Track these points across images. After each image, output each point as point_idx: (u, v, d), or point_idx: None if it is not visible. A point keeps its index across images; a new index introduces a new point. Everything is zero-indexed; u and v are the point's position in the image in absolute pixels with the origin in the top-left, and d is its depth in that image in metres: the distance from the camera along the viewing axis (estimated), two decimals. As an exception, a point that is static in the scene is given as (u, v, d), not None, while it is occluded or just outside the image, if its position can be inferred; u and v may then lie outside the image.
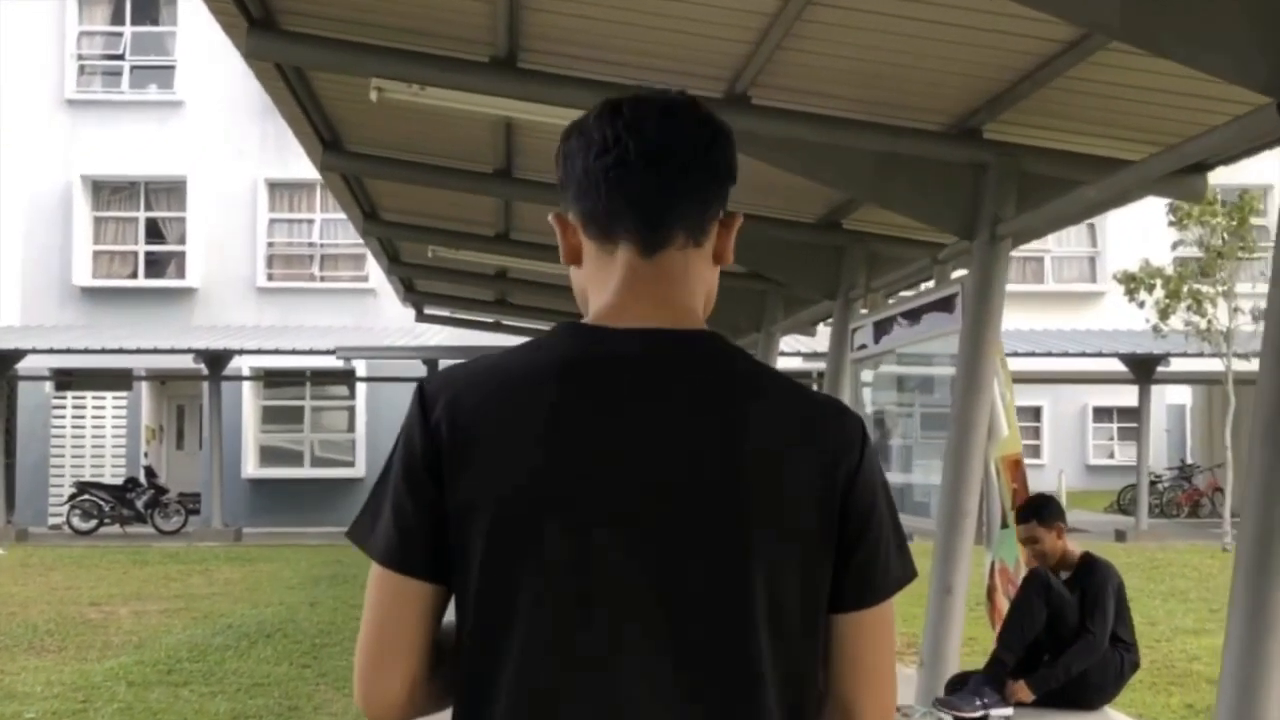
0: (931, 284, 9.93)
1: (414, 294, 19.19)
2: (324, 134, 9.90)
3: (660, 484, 1.62)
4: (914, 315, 8.55)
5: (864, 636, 1.71)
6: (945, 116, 7.06)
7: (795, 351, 21.24)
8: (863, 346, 9.85)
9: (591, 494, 1.61)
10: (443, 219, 13.09)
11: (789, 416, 1.69)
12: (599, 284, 1.76)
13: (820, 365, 25.53)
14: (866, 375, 10.11)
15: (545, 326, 20.14)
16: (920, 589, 12.05)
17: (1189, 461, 31.23)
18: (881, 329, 9.36)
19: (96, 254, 28.60)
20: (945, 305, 7.84)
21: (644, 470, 1.62)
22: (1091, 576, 6.61)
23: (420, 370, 24.86)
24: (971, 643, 12.20)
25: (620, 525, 1.61)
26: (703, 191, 1.75)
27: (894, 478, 9.23)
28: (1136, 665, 6.67)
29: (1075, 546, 6.80)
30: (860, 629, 1.70)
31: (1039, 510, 6.76)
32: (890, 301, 9.78)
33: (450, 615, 1.69)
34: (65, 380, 27.04)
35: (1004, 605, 7.69)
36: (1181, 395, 32.34)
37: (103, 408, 28.11)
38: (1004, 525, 7.61)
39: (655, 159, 1.71)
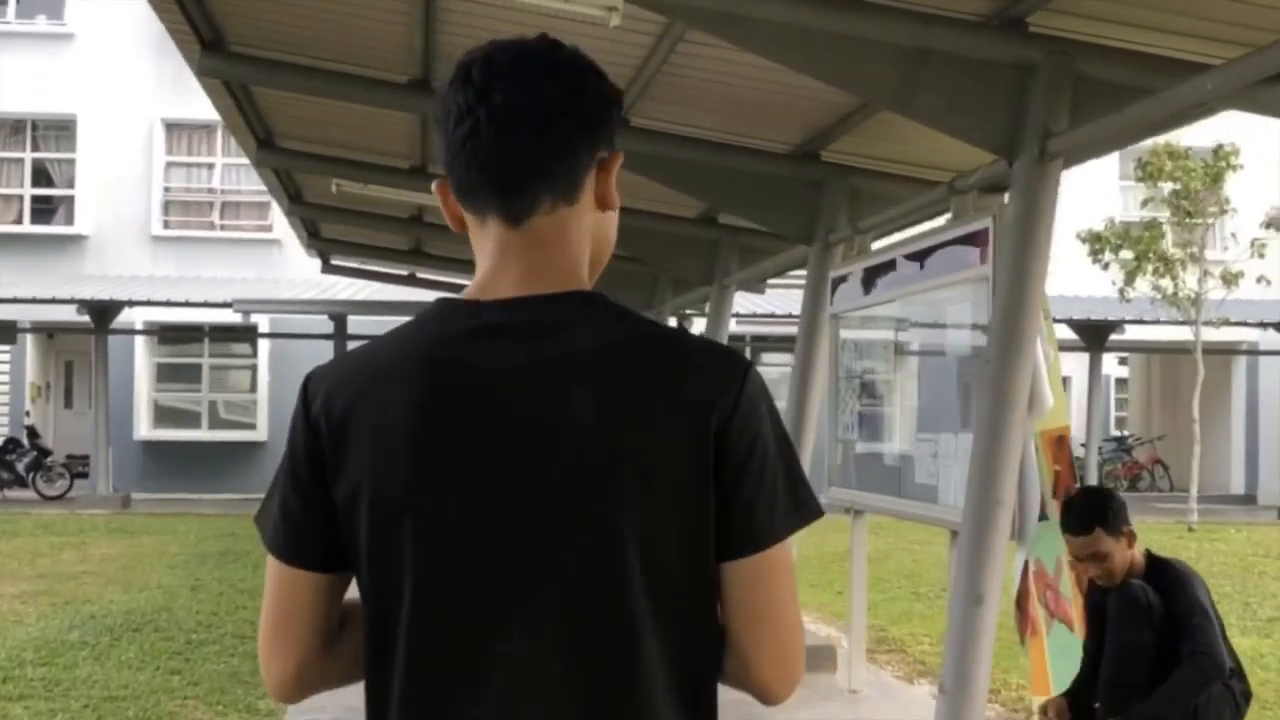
0: (928, 226, 8.45)
1: (319, 240, 17.45)
2: (203, 31, 8.19)
3: (526, 457, 1.61)
4: (921, 257, 7.04)
5: (755, 583, 1.66)
6: (987, 2, 5.59)
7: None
8: (846, 299, 8.34)
9: (458, 481, 1.62)
10: (350, 148, 11.44)
11: (657, 367, 1.65)
12: (480, 253, 1.74)
13: (758, 329, 24.75)
14: (848, 334, 8.58)
15: (465, 280, 18.79)
16: (912, 587, 10.56)
17: (1123, 433, 30.25)
18: (874, 277, 7.84)
19: (-23, 197, 26.64)
20: (971, 243, 6.33)
21: (509, 446, 1.62)
22: (1173, 583, 5.10)
23: (327, 326, 23.25)
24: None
25: (488, 506, 1.62)
26: (566, 147, 1.70)
27: (888, 454, 7.73)
28: (1249, 697, 5.15)
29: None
30: (750, 576, 1.66)
31: (1101, 513, 5.15)
32: (884, 244, 8.26)
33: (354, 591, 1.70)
34: (-59, 332, 24.87)
35: (1039, 615, 6.21)
36: (1109, 365, 31.22)
37: (-18, 362, 26.08)
38: (1043, 517, 6.12)
39: (506, 126, 1.67)
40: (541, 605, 1.60)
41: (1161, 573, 5.17)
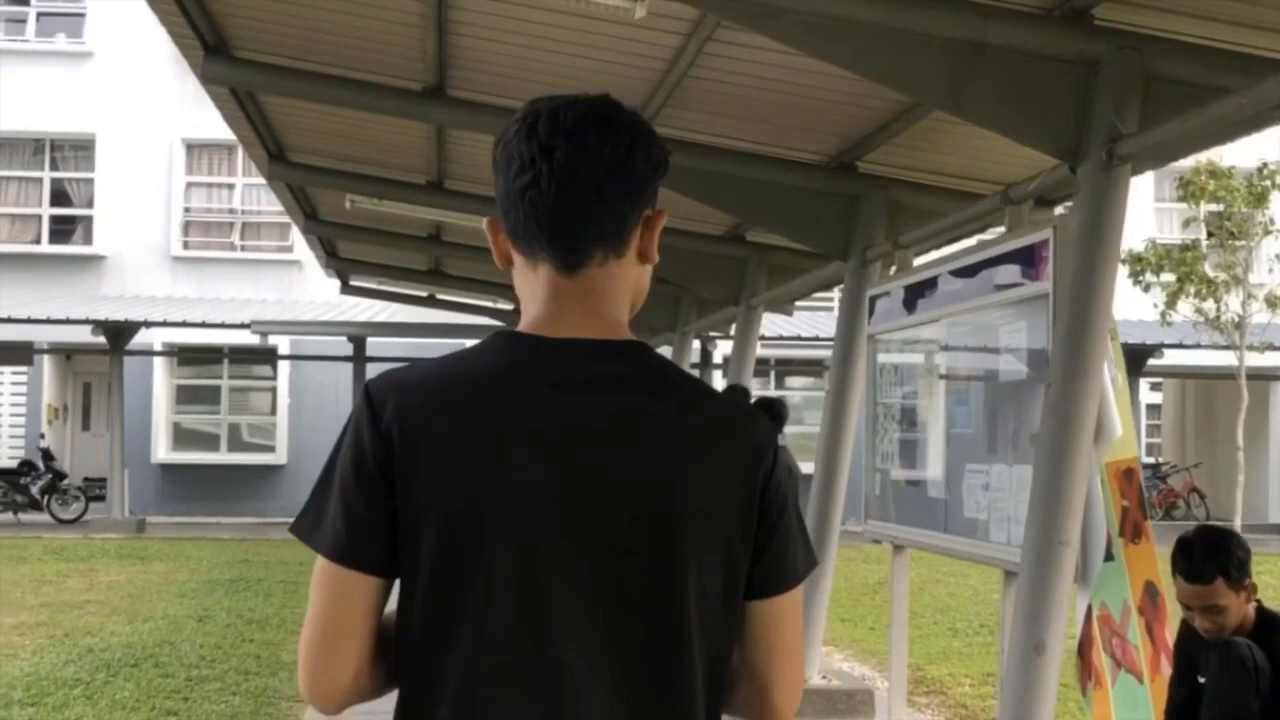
0: (968, 242, 7.94)
1: (337, 260, 17.03)
2: (206, 35, 7.75)
3: (598, 494, 1.70)
4: (970, 273, 6.51)
5: (777, 620, 1.83)
6: (1048, -9, 5.11)
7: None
8: (885, 318, 7.81)
9: (534, 509, 1.69)
10: (364, 162, 11.02)
11: (712, 422, 1.78)
12: (529, 294, 1.84)
13: (782, 352, 24.22)
14: (887, 358, 8.04)
15: (484, 300, 18.31)
16: (949, 623, 9.94)
17: (1159, 460, 29.58)
18: (916, 294, 7.32)
19: (-4, 216, 26.35)
20: (1028, 257, 5.81)
21: (582, 481, 1.70)
22: None
23: (346, 349, 22.85)
24: (986, 679, 10.25)
25: (561, 538, 1.69)
26: (620, 206, 1.80)
27: (932, 485, 7.19)
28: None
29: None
30: (774, 614, 1.82)
31: (1226, 561, 4.44)
32: (925, 260, 7.74)
33: (391, 605, 1.76)
34: (-41, 354, 24.47)
35: (1104, 665, 5.66)
36: (1141, 391, 30.57)
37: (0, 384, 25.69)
38: (1109, 557, 5.57)
39: (567, 182, 1.76)
40: (601, 644, 1.69)
41: (1272, 629, 4.56)
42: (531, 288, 1.82)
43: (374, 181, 11.22)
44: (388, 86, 8.18)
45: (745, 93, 7.47)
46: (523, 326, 1.80)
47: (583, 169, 1.75)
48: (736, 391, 10.07)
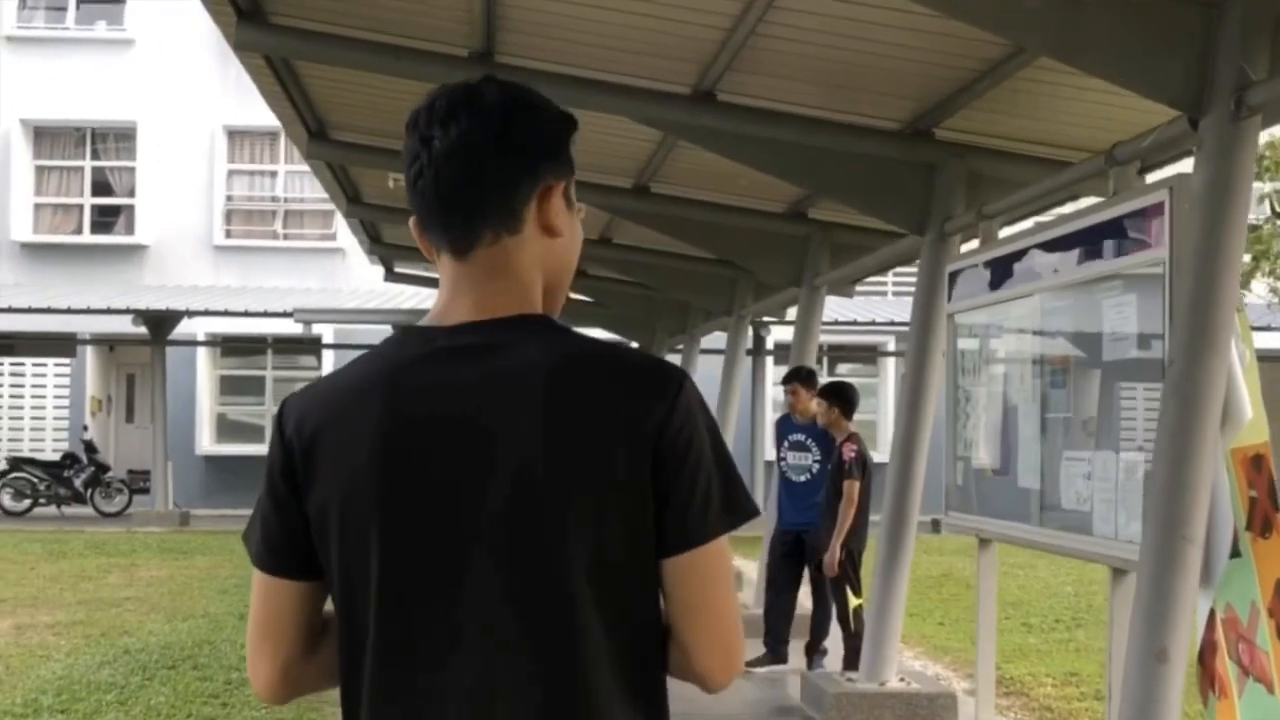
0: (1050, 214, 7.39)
1: (380, 246, 16.60)
2: (240, 0, 7.28)
3: (478, 470, 1.73)
4: (1071, 243, 5.96)
5: (688, 578, 1.76)
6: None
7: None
8: (966, 295, 7.26)
9: (417, 495, 1.74)
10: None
11: (598, 381, 1.76)
12: (440, 283, 1.88)
13: (833, 338, 23.58)
14: (968, 343, 7.49)
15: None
16: (1022, 618, 9.40)
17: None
18: (1003, 268, 6.76)
19: (38, 207, 26.23)
20: (1139, 223, 5.25)
21: (462, 459, 1.73)
22: None
23: (391, 337, 22.41)
24: (1070, 679, 9.68)
25: (445, 518, 1.73)
26: (498, 182, 1.81)
27: (1023, 474, 6.63)
28: None
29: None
30: (683, 572, 1.76)
31: None
32: (1010, 232, 7.19)
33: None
34: (3, 345, 24.19)
35: (1229, 673, 5.11)
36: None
37: (43, 375, 25.52)
38: (1235, 554, 5.02)
39: (445, 166, 1.79)
40: (496, 612, 1.72)
41: None
42: (441, 276, 1.85)
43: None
44: (431, 53, 7.69)
45: (815, 53, 6.94)
46: (426, 318, 1.85)
47: (457, 151, 1.78)
48: (801, 373, 9.54)
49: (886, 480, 7.90)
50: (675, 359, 17.76)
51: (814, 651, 9.26)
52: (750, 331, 18.30)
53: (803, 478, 9.28)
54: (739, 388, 14.51)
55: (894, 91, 7.37)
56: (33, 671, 8.85)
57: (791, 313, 14.63)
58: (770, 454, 12.41)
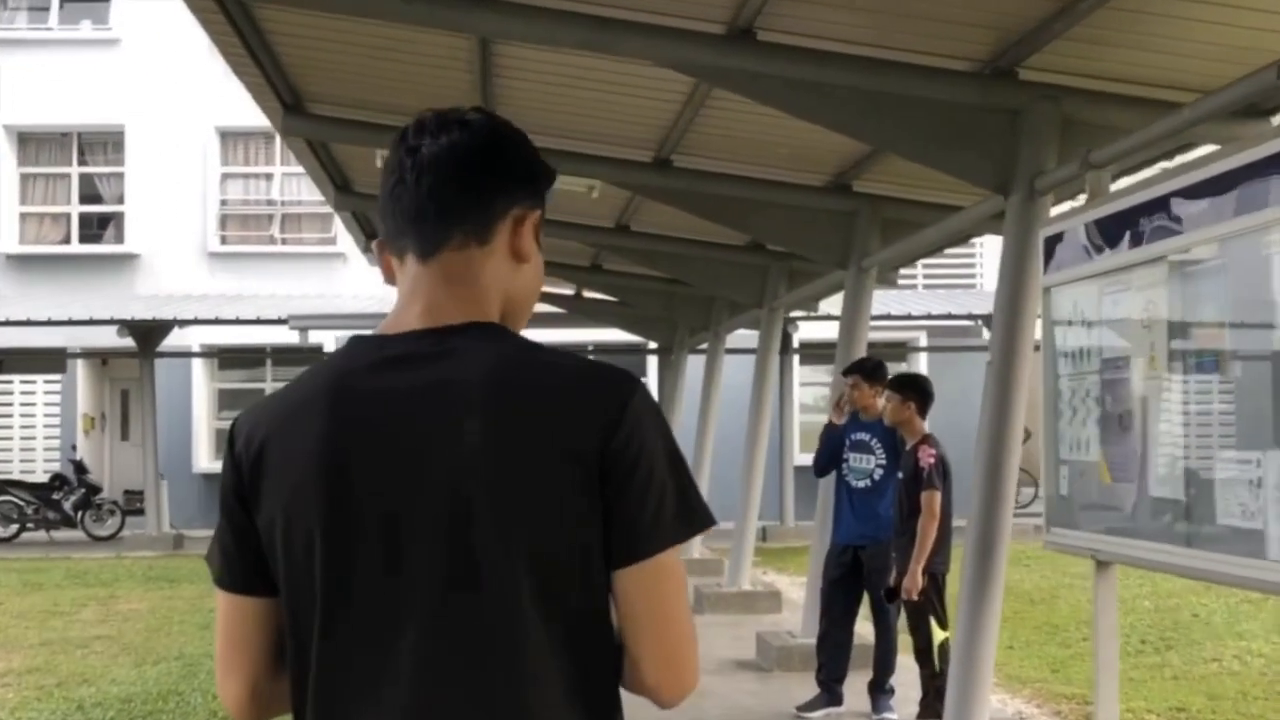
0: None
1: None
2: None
3: (419, 478, 1.71)
4: (1223, 185, 4.63)
5: (641, 590, 1.75)
6: None
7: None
8: (1069, 262, 5.94)
9: (360, 504, 1.72)
10: (396, 111, 9.19)
11: (545, 389, 1.75)
12: (399, 291, 1.88)
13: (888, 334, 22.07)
14: (1073, 316, 6.15)
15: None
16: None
17: None
18: (1117, 230, 5.45)
19: (24, 216, 25.11)
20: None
21: (404, 468, 1.72)
22: None
23: (393, 344, 21.19)
24: (1178, 715, 8.36)
25: (388, 528, 1.71)
26: (477, 190, 1.84)
27: (1157, 481, 5.29)
28: None
29: None
30: (637, 583, 1.74)
31: None
32: (1132, 180, 5.87)
33: None
34: (-13, 361, 23.05)
35: None
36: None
37: (32, 393, 24.35)
38: None
39: (428, 170, 1.82)
40: (433, 640, 1.69)
41: None
42: (400, 287, 1.85)
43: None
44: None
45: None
46: (380, 326, 1.84)
47: (442, 158, 1.81)
48: (868, 365, 8.23)
49: (973, 488, 6.55)
50: (699, 360, 16.47)
51: (879, 691, 7.97)
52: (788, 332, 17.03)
53: (863, 483, 7.96)
54: (770, 387, 13.12)
55: (969, 20, 6.09)
56: (-35, 734, 7.59)
57: (824, 306, 13.37)
58: (800, 459, 11.18)
